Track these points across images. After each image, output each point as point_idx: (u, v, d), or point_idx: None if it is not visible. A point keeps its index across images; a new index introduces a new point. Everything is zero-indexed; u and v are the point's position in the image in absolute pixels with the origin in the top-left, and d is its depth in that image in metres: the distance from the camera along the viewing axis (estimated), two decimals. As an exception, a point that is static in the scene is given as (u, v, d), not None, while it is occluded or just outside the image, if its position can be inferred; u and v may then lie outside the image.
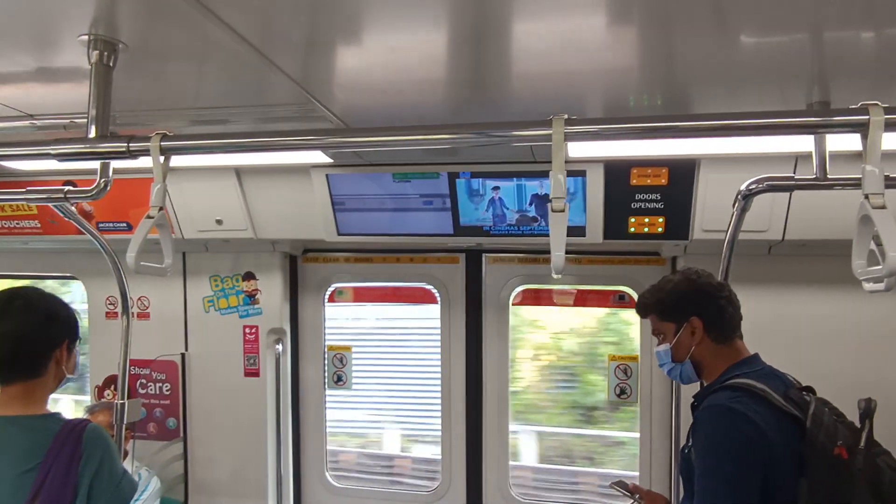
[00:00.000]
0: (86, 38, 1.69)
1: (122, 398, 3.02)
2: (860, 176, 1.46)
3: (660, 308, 2.30)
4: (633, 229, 3.10)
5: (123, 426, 3.05)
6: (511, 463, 3.94)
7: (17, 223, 3.74)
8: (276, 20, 1.61)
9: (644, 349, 3.69)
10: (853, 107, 1.50)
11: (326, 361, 4.13)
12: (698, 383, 2.33)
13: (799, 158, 2.71)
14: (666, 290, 2.29)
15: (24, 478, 1.78)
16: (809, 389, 2.15)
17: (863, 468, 1.86)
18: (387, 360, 4.26)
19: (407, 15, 1.57)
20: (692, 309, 2.22)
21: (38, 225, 3.72)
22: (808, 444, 1.92)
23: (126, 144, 1.79)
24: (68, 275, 4.27)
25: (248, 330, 3.91)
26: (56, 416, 1.93)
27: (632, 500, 2.50)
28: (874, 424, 1.96)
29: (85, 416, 3.54)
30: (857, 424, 2.00)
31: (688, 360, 2.25)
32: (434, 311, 3.99)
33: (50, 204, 2.53)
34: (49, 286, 4.53)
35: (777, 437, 1.94)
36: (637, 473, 3.74)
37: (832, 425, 1.95)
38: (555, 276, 1.55)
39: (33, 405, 1.91)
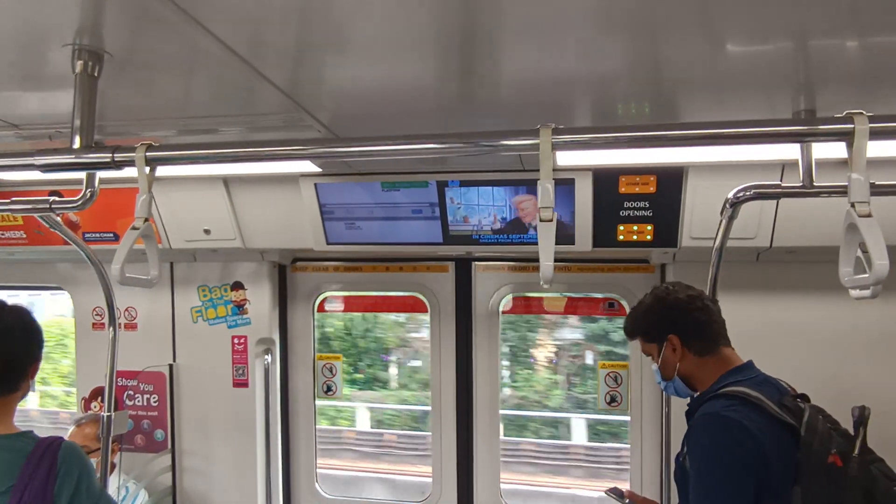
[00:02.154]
0: (70, 47, 1.68)
1: (109, 410, 2.99)
2: (846, 183, 1.47)
3: (640, 331, 2.36)
4: (622, 237, 3.11)
5: (110, 439, 3.01)
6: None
7: (3, 234, 3.71)
8: (264, 31, 1.60)
9: (634, 357, 3.69)
10: (838, 115, 1.51)
11: (316, 371, 4.11)
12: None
13: (786, 166, 2.73)
14: (641, 313, 2.34)
15: None
16: (804, 397, 2.15)
17: (857, 476, 1.86)
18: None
19: (394, 25, 1.56)
20: (666, 327, 2.26)
21: (24, 235, 3.69)
22: (802, 452, 1.93)
23: (111, 155, 1.77)
24: (54, 285, 4.23)
25: (236, 340, 3.89)
26: (29, 435, 1.87)
27: None
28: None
29: (72, 429, 3.50)
30: (851, 432, 2.00)
31: (676, 376, 2.28)
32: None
33: (35, 214, 2.51)
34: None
35: (771, 444, 1.94)
36: (628, 480, 3.74)
37: (826, 433, 1.95)
38: (544, 286, 1.55)
39: (4, 423, 1.86)
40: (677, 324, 2.24)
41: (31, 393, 1.99)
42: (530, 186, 3.07)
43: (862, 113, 1.48)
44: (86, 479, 1.84)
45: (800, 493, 1.90)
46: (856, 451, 1.88)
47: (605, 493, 2.62)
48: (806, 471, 1.91)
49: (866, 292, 1.52)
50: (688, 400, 2.29)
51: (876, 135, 1.47)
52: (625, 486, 2.65)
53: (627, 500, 2.51)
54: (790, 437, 1.97)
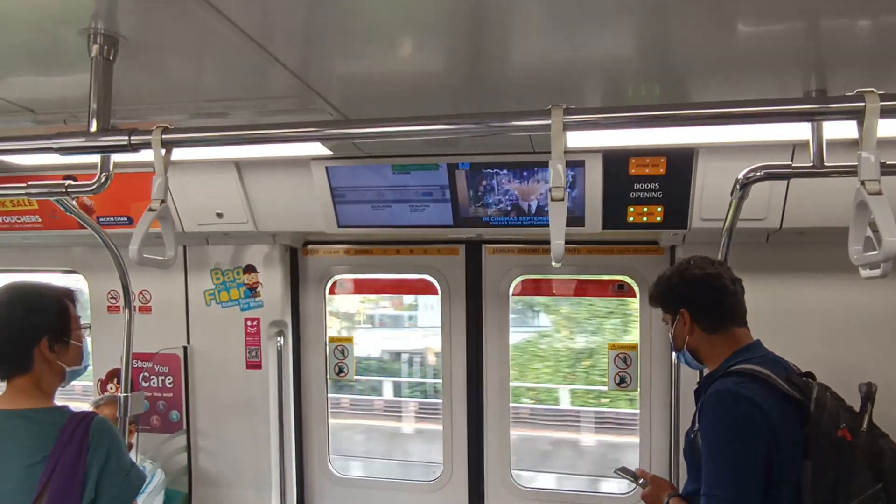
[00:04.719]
0: (86, 31, 1.70)
1: (126, 391, 3.05)
2: (857, 163, 1.48)
3: (659, 301, 2.39)
4: (631, 219, 3.11)
5: (127, 419, 3.07)
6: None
7: (18, 218, 3.75)
8: (275, 12, 1.62)
9: (644, 338, 3.71)
10: (849, 94, 1.51)
11: (328, 353, 4.15)
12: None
13: (796, 146, 2.72)
14: (661, 283, 2.37)
15: (32, 471, 1.78)
16: (810, 375, 2.18)
17: (865, 450, 1.90)
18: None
19: (405, 8, 1.57)
20: (679, 301, 2.29)
21: (39, 220, 3.73)
22: (812, 428, 1.97)
23: (127, 138, 1.80)
24: (69, 269, 4.28)
25: (249, 322, 3.93)
26: (63, 409, 1.93)
27: (637, 486, 2.52)
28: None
29: (91, 410, 3.55)
30: (857, 409, 2.03)
31: (685, 348, 2.31)
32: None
33: (51, 198, 2.54)
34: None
35: (781, 420, 1.98)
36: (637, 459, 3.78)
37: (835, 409, 1.99)
38: (554, 265, 1.57)
39: (38, 399, 1.92)
40: (688, 299, 2.27)
41: (71, 371, 2.00)
42: (540, 168, 3.08)
43: (873, 91, 1.49)
44: (115, 452, 1.89)
45: (809, 467, 1.94)
46: (864, 426, 1.91)
47: (615, 472, 2.64)
48: (815, 445, 1.94)
49: (876, 271, 1.53)
50: (697, 378, 2.32)
51: (887, 113, 1.47)
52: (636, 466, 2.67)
53: (641, 481, 2.52)
54: (799, 413, 2.00)
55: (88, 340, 2.10)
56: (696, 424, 2.13)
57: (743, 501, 1.95)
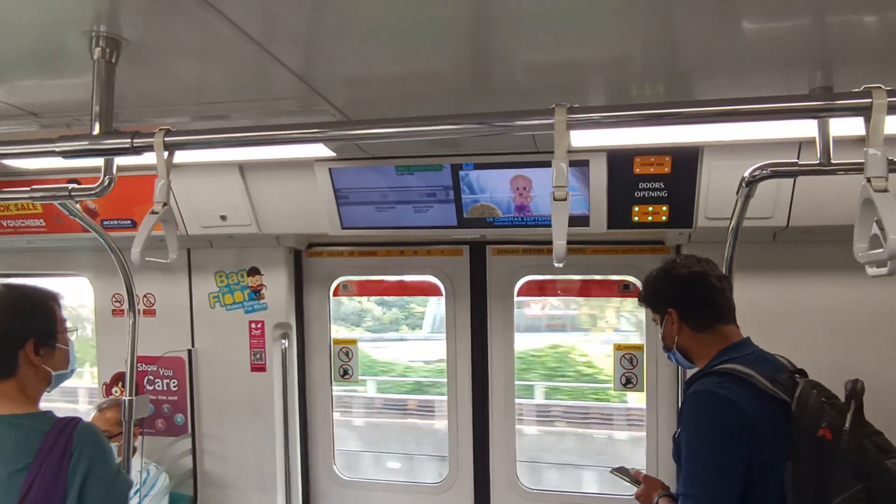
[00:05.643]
0: (88, 34, 1.69)
1: (130, 395, 3.04)
2: (864, 161, 1.46)
3: (647, 301, 2.38)
4: (636, 218, 3.10)
5: (132, 423, 3.07)
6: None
7: (23, 222, 3.75)
8: (278, 14, 1.61)
9: (649, 338, 3.70)
10: (856, 90, 1.50)
11: (332, 355, 4.15)
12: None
13: (802, 144, 2.71)
14: (648, 283, 2.36)
15: (15, 478, 1.75)
16: (801, 372, 2.15)
17: (847, 449, 1.86)
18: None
19: (409, 9, 1.56)
20: (667, 301, 2.29)
21: (43, 224, 3.73)
22: (792, 427, 1.94)
23: (130, 140, 1.80)
24: (74, 273, 4.29)
25: (253, 325, 3.93)
26: (47, 415, 1.89)
27: (635, 487, 2.50)
28: (873, 407, 1.96)
29: (94, 414, 3.56)
30: (853, 407, 1.99)
31: (674, 348, 2.30)
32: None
33: (55, 202, 2.54)
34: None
35: (762, 420, 1.95)
36: (644, 460, 3.76)
37: (818, 407, 1.95)
38: (557, 265, 1.56)
39: (23, 404, 1.88)
40: (676, 298, 2.26)
41: (57, 375, 1.97)
42: (541, 168, 3.07)
43: (880, 87, 1.47)
44: (100, 459, 1.85)
45: (791, 467, 1.91)
46: (847, 425, 1.88)
47: (612, 472, 2.63)
48: (795, 445, 1.92)
49: (883, 269, 1.51)
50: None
51: (894, 109, 1.46)
52: (632, 466, 2.65)
53: (641, 486, 2.51)
54: (783, 412, 1.97)
55: (74, 343, 2.07)
56: (679, 425, 2.12)
57: (720, 502, 1.94)
